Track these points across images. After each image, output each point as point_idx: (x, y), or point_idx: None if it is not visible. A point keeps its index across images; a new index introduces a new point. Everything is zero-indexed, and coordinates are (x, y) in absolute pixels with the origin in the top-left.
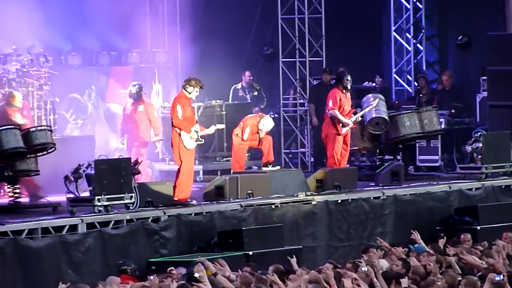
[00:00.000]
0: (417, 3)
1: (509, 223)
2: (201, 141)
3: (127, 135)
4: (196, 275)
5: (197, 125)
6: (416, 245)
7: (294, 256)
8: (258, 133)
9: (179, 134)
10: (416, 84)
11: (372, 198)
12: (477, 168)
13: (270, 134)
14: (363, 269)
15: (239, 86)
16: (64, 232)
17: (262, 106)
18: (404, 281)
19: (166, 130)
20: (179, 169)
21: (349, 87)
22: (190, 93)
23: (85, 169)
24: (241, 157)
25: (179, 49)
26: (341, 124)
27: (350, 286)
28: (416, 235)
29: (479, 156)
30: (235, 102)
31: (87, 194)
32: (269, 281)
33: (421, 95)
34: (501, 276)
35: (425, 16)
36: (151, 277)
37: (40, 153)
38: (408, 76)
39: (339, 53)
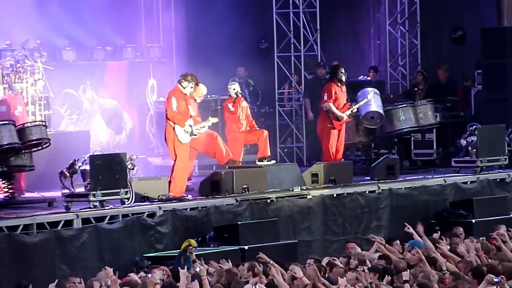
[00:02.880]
0: None
1: (504, 216)
2: (196, 135)
3: None
4: (197, 269)
5: (191, 120)
6: (412, 241)
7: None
8: (237, 95)
9: (174, 128)
10: (411, 77)
11: (367, 192)
12: (472, 161)
13: (266, 128)
14: (359, 268)
15: (237, 79)
16: (59, 228)
17: (257, 103)
18: (406, 274)
19: (161, 125)
20: (173, 164)
21: (343, 79)
22: (184, 88)
23: (80, 164)
24: (238, 152)
25: (173, 44)
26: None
27: (344, 284)
28: (410, 228)
29: (474, 150)
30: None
31: (82, 189)
32: (243, 276)
33: (416, 89)
34: (499, 278)
35: (420, 9)
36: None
37: (35, 149)
38: (403, 70)
39: (334, 47)
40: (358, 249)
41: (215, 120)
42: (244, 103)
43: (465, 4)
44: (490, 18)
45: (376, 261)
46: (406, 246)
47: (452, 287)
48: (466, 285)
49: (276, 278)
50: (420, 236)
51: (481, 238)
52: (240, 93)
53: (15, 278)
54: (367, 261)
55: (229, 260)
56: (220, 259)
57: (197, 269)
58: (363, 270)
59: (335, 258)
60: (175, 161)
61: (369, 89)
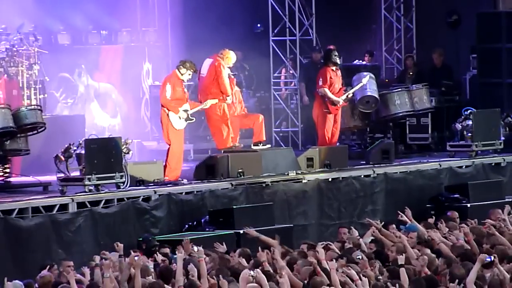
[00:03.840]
0: None
1: (499, 200)
2: (192, 119)
3: None
4: (195, 249)
5: (187, 104)
6: (407, 225)
7: None
8: (229, 77)
9: (168, 115)
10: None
11: (362, 176)
12: (467, 145)
13: (261, 112)
14: (357, 256)
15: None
16: (54, 212)
17: (252, 87)
18: (401, 258)
19: (156, 109)
20: (168, 149)
21: (338, 61)
22: (182, 74)
23: (76, 148)
24: (235, 131)
25: (169, 28)
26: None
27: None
28: (403, 215)
29: (469, 134)
30: None
31: (77, 173)
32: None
33: (410, 75)
34: (492, 257)
35: None
36: (136, 257)
37: (30, 133)
38: (398, 54)
39: (329, 31)
40: (356, 233)
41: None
42: (236, 88)
43: None
44: (485, 2)
45: (368, 245)
46: (402, 231)
47: (443, 271)
48: (461, 269)
49: (278, 261)
50: (410, 221)
51: (473, 221)
52: (232, 74)
53: (10, 262)
54: (362, 244)
55: (224, 243)
56: (215, 242)
57: (195, 249)
58: (362, 258)
59: (330, 243)
60: (169, 145)
61: (365, 73)
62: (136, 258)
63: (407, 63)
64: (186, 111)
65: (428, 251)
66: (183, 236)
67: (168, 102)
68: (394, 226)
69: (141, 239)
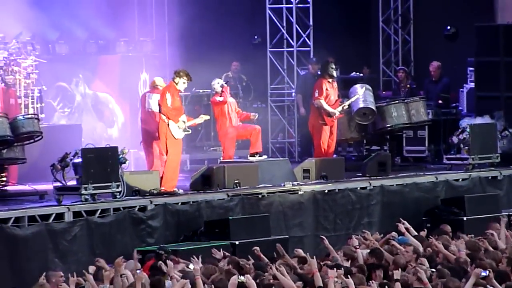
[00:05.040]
0: None
1: (495, 214)
2: (188, 131)
3: None
4: (191, 267)
5: (184, 115)
6: (399, 237)
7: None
8: (222, 86)
9: (168, 124)
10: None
11: (359, 188)
12: (464, 159)
13: (258, 123)
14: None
15: (230, 74)
16: (50, 221)
17: (250, 98)
18: (397, 273)
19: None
20: (166, 159)
21: (334, 74)
22: (177, 83)
23: (72, 157)
24: (230, 146)
25: (166, 38)
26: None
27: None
28: (402, 226)
29: (466, 147)
30: None
31: (74, 182)
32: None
33: (404, 88)
34: (487, 272)
35: (413, 6)
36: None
37: (27, 142)
38: (396, 67)
39: (326, 43)
40: (356, 242)
41: (207, 117)
42: (231, 99)
43: (458, 1)
44: (483, 15)
45: (366, 256)
46: (394, 242)
47: (436, 285)
48: (456, 282)
49: (278, 274)
50: (403, 233)
51: (469, 236)
52: (225, 82)
53: (6, 271)
54: (359, 256)
55: (221, 250)
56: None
57: (190, 267)
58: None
59: (340, 265)
60: (167, 155)
61: (361, 85)
62: (138, 272)
63: (399, 76)
64: (184, 122)
65: (426, 262)
66: (179, 246)
67: (169, 110)
68: (394, 237)
69: (157, 248)
